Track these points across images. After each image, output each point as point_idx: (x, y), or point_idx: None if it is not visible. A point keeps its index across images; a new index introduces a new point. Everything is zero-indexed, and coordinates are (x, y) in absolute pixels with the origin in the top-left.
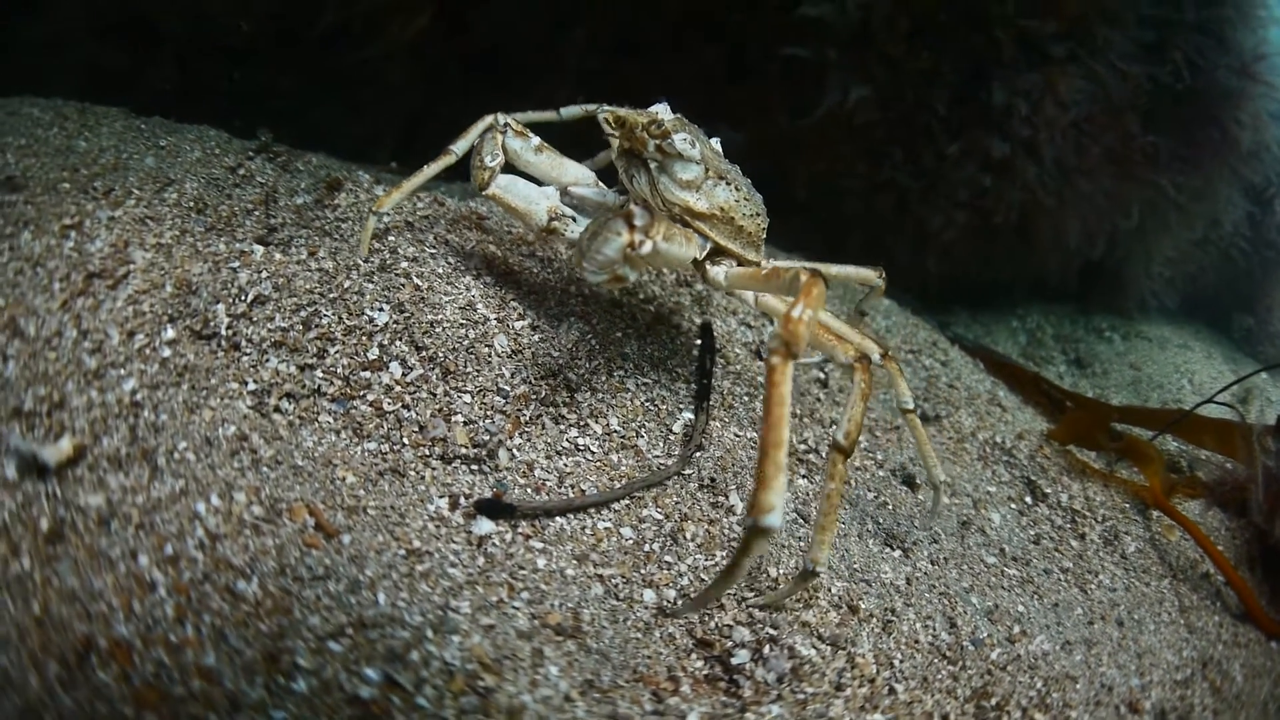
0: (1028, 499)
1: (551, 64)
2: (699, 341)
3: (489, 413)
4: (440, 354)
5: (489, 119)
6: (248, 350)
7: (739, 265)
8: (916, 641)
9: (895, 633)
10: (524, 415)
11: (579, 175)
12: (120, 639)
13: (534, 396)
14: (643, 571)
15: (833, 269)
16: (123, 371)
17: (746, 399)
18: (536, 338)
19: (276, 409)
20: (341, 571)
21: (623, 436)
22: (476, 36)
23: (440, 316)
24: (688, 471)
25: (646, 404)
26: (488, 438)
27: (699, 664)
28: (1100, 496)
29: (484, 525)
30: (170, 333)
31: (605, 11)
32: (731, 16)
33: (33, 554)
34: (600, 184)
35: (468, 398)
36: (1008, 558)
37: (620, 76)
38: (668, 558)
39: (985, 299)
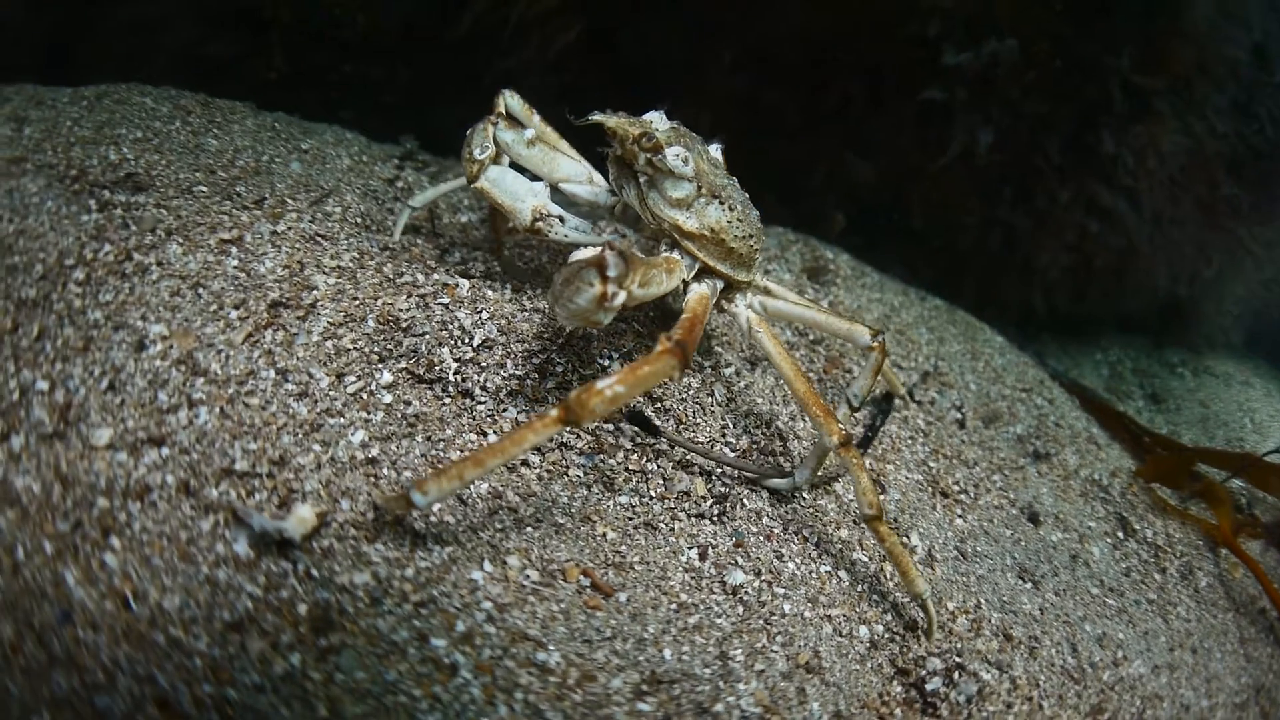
0: (1120, 534)
1: (694, 86)
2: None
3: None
4: (671, 404)
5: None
6: (481, 399)
7: (728, 288)
8: (1052, 664)
9: (1038, 657)
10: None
11: (572, 171)
12: None
13: (755, 447)
14: (859, 609)
15: (821, 318)
16: (343, 420)
17: (912, 447)
18: (742, 384)
19: (524, 463)
20: (626, 630)
21: (874, 478)
22: (620, 54)
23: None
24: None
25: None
26: (723, 489)
27: (898, 689)
28: (1178, 533)
29: (737, 575)
30: (387, 376)
31: (752, 39)
32: (873, 54)
33: (299, 646)
34: (595, 179)
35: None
36: (1106, 589)
37: (762, 102)
38: (875, 595)
39: (1072, 331)
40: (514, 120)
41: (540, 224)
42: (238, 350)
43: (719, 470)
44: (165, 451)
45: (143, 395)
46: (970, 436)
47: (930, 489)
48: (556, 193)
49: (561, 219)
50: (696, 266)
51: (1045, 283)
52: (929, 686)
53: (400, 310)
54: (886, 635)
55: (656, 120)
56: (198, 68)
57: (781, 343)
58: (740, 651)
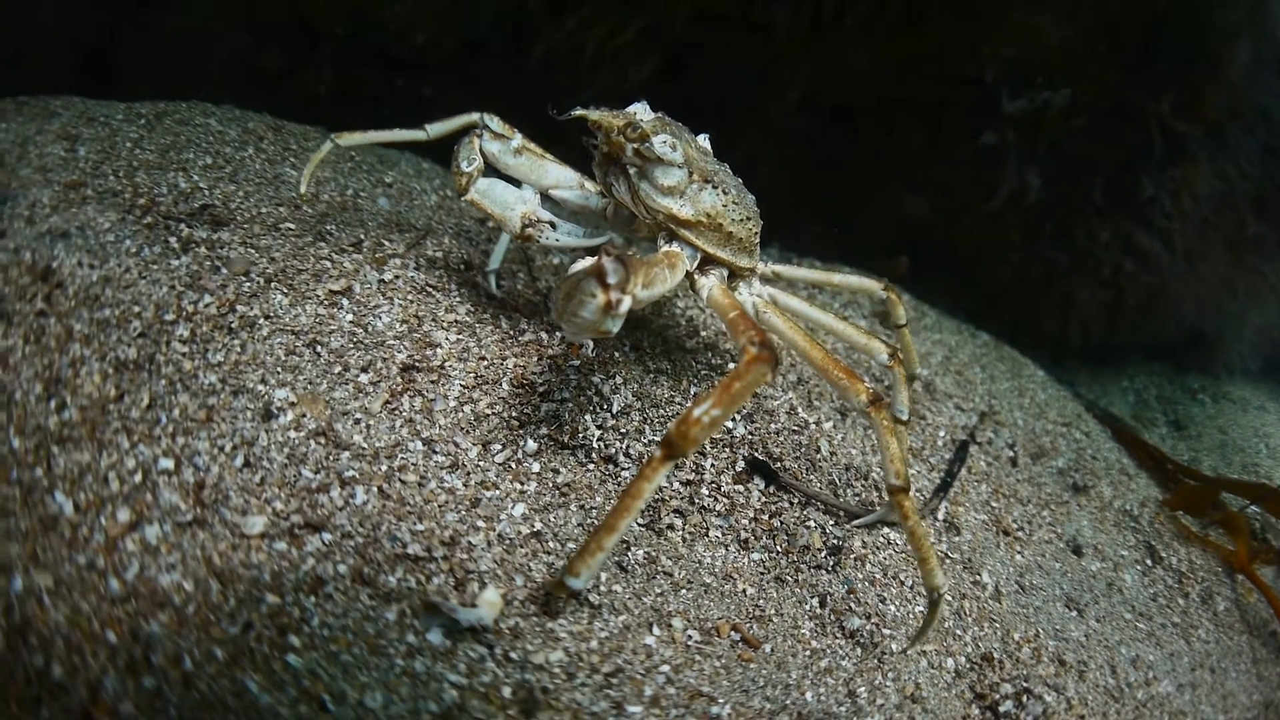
0: (1148, 561)
1: (759, 122)
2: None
3: (832, 519)
4: (786, 461)
5: (472, 115)
6: (625, 465)
7: (734, 276)
8: (1098, 685)
9: (1086, 679)
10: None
11: (560, 177)
12: None
13: (856, 499)
14: (945, 643)
15: (835, 278)
16: (499, 493)
17: (978, 489)
18: (840, 437)
19: (670, 526)
20: (774, 678)
21: (949, 521)
22: (688, 88)
23: (779, 425)
24: (954, 556)
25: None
26: (835, 542)
27: (976, 712)
28: (1200, 560)
29: (854, 621)
30: (531, 444)
31: (818, 79)
32: (933, 98)
33: None
34: (585, 184)
35: (813, 506)
36: (1137, 613)
37: (825, 139)
38: (957, 630)
39: (1100, 359)
40: (498, 134)
41: (530, 230)
42: (378, 419)
43: (831, 523)
44: (328, 537)
45: (285, 473)
46: (1021, 474)
47: (994, 528)
48: (548, 200)
49: (552, 224)
50: (699, 257)
51: (1082, 316)
52: (1002, 709)
53: (534, 375)
54: (967, 665)
55: (641, 111)
56: (245, 78)
57: (789, 317)
58: (864, 689)
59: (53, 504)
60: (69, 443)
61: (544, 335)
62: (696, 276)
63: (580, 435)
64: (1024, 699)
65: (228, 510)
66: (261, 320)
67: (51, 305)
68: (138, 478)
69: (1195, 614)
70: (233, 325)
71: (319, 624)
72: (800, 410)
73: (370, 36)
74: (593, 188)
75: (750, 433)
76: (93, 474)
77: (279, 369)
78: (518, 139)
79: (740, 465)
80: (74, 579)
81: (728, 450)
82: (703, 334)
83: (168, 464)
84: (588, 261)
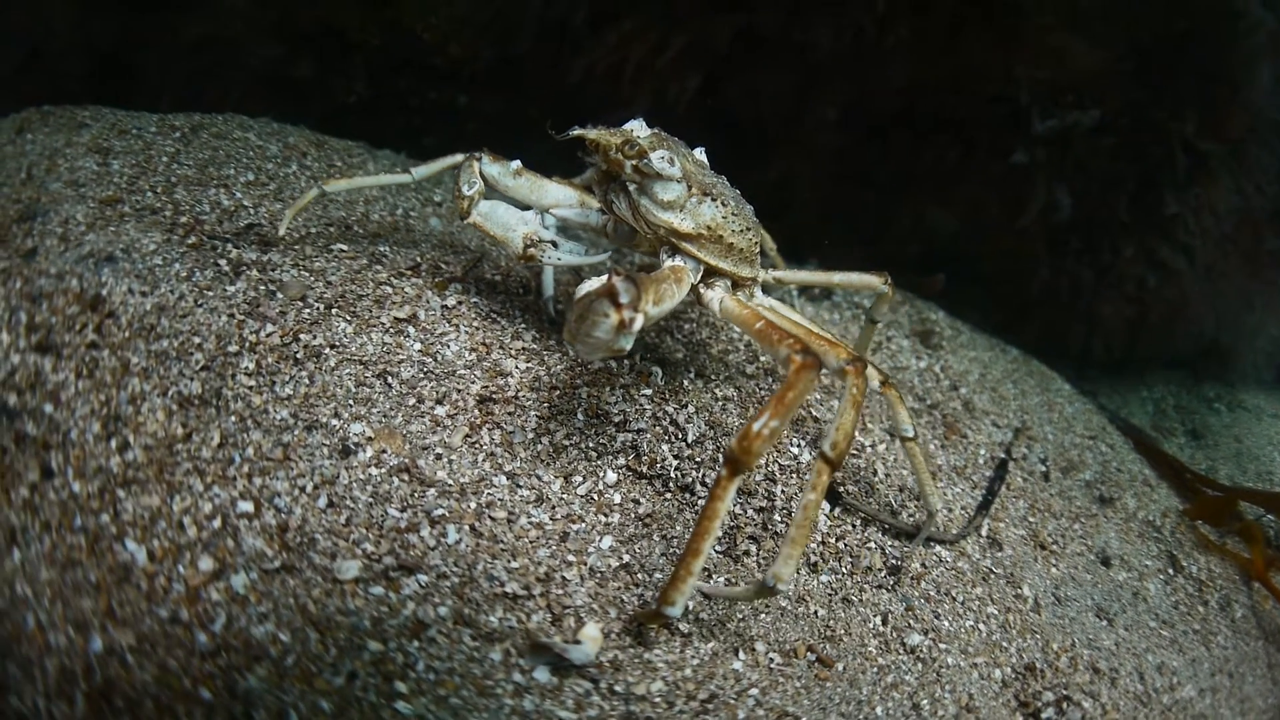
0: (1170, 570)
1: (796, 138)
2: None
3: (890, 539)
4: (848, 485)
5: (457, 157)
6: (701, 494)
7: (735, 287)
8: (1128, 691)
9: (1118, 686)
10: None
11: (560, 196)
12: None
13: (911, 518)
14: (993, 655)
15: (835, 277)
16: (585, 526)
17: (1016, 505)
18: (892, 459)
19: (745, 553)
20: (848, 694)
21: (991, 538)
22: (727, 104)
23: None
24: (998, 571)
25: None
26: (894, 562)
27: (1019, 719)
28: (1218, 568)
29: (914, 637)
30: (610, 475)
31: (856, 97)
32: (967, 117)
33: None
34: (585, 203)
35: (873, 527)
36: (1161, 621)
37: (861, 156)
38: (1003, 642)
39: (1120, 370)
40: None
41: (533, 250)
42: (459, 454)
43: (890, 544)
44: (424, 579)
45: (371, 512)
46: (1053, 488)
47: (1032, 542)
48: (547, 218)
49: (554, 244)
50: (701, 269)
51: (1105, 330)
52: (1044, 716)
53: (608, 404)
54: (1012, 674)
55: (637, 128)
56: (272, 88)
57: (794, 324)
58: (926, 701)
59: (123, 552)
60: (135, 485)
61: (613, 364)
62: (702, 290)
63: (658, 465)
64: (1064, 706)
65: (316, 554)
66: (327, 350)
67: (103, 336)
68: (216, 523)
69: (1214, 621)
70: (298, 355)
71: (424, 669)
72: (856, 434)
73: (404, 48)
74: (592, 204)
75: (815, 458)
76: (165, 519)
77: (350, 402)
78: (518, 161)
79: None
80: (157, 634)
81: (795, 476)
82: (762, 359)
83: (247, 507)
84: (594, 282)
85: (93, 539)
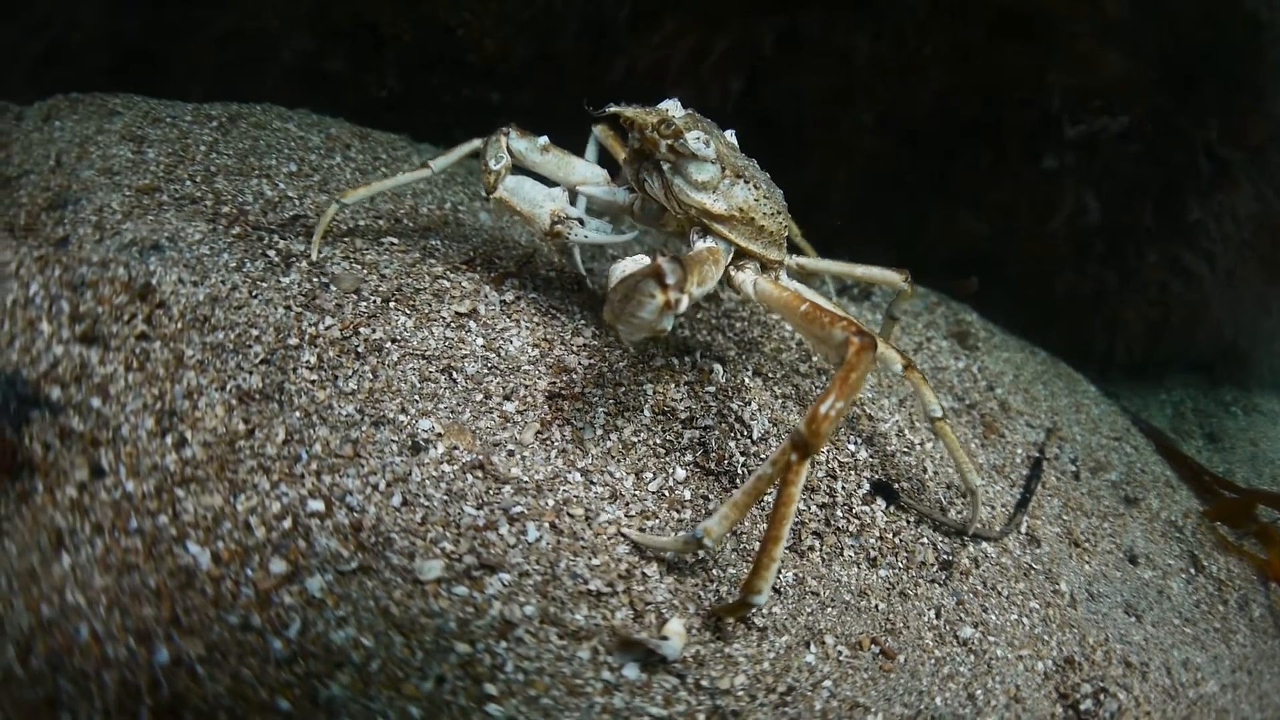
0: (1192, 570)
1: (833, 141)
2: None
3: (940, 535)
4: (902, 482)
5: (476, 143)
6: (769, 490)
7: (764, 269)
8: (1158, 685)
9: (1148, 679)
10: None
11: (588, 174)
12: None
13: (956, 512)
14: (1037, 648)
15: (857, 270)
16: (659, 522)
17: (1050, 503)
18: (939, 457)
19: (810, 548)
20: (909, 685)
21: (1030, 535)
22: (766, 107)
23: (893, 447)
24: (1037, 567)
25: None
26: (946, 558)
27: (1060, 710)
28: (1237, 569)
29: (965, 630)
30: (680, 472)
31: (892, 103)
32: (1000, 122)
33: None
34: (610, 182)
35: (925, 524)
36: (1184, 619)
37: (896, 160)
38: (1045, 636)
39: (1140, 372)
40: (525, 131)
41: (559, 227)
42: (532, 450)
43: (940, 540)
44: (507, 578)
45: (447, 510)
46: (1084, 487)
47: (1066, 539)
48: (574, 196)
49: (581, 221)
50: (732, 251)
51: (1128, 334)
52: (1083, 707)
53: (675, 400)
54: (1054, 667)
55: (672, 108)
56: (303, 80)
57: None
58: (980, 692)
59: (185, 555)
60: (195, 484)
61: (674, 360)
62: (732, 272)
63: (726, 461)
64: (1101, 698)
65: (394, 554)
66: (389, 344)
67: (154, 327)
68: (286, 523)
69: (1234, 620)
70: (359, 349)
71: (513, 669)
72: (907, 432)
73: (437, 43)
74: (619, 184)
75: (871, 456)
76: (230, 520)
77: (416, 397)
78: (545, 137)
79: (865, 487)
80: (228, 642)
81: (853, 473)
82: (815, 358)
83: (317, 505)
84: (632, 262)
85: (150, 541)
